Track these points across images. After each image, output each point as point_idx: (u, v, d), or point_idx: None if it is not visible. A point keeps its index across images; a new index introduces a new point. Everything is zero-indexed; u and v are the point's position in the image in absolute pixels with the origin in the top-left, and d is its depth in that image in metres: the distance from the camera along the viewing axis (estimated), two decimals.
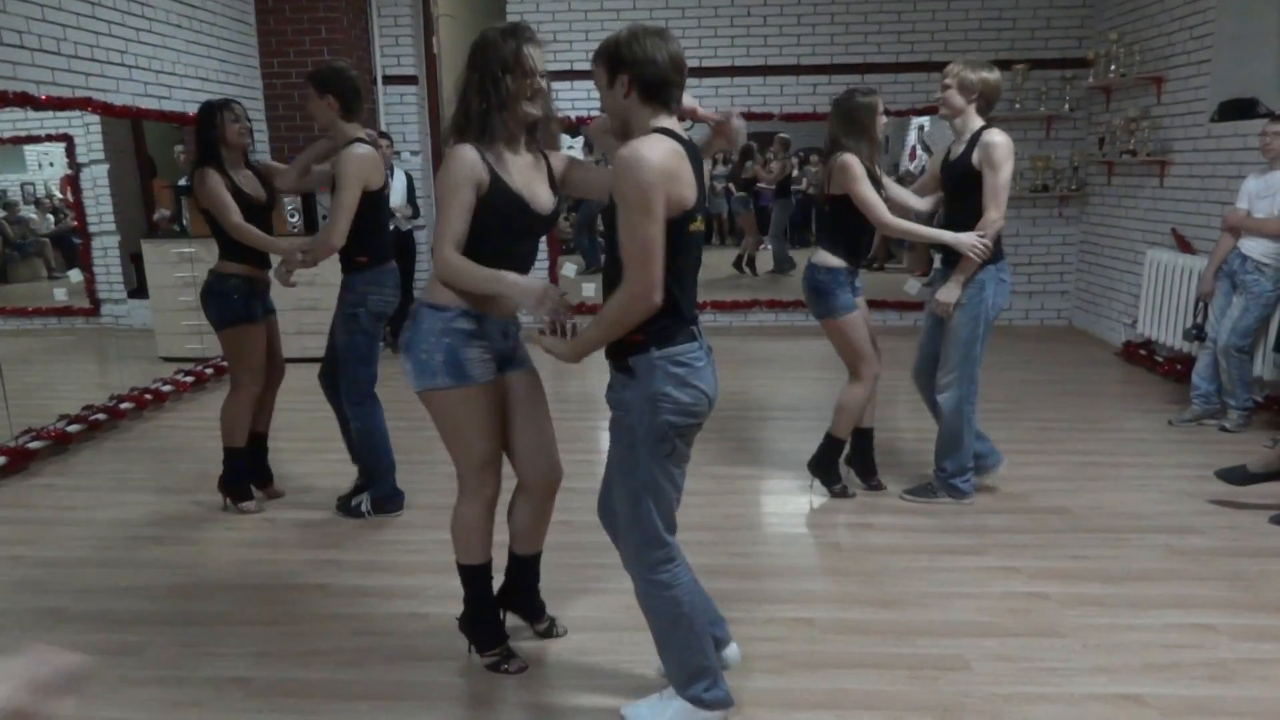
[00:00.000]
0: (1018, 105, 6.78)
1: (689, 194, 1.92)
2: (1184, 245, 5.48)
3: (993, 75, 3.34)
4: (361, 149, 3.20)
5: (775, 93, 7.03)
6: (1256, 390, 4.52)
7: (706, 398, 2.04)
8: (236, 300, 3.48)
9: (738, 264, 8.61)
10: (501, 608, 2.56)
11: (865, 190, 3.38)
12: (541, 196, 2.26)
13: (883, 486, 3.77)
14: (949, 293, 3.41)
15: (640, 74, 1.92)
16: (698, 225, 1.99)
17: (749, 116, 6.95)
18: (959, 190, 3.42)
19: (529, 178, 2.23)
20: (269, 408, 3.78)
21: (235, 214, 3.38)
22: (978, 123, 3.38)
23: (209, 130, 3.38)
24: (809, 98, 7.00)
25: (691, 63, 6.91)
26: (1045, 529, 3.34)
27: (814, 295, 3.59)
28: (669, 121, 1.97)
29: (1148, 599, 2.82)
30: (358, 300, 3.35)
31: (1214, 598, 2.82)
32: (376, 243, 3.38)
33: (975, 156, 3.31)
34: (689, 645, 2.10)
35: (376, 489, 3.54)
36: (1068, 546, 3.20)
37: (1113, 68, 6.28)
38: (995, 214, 3.29)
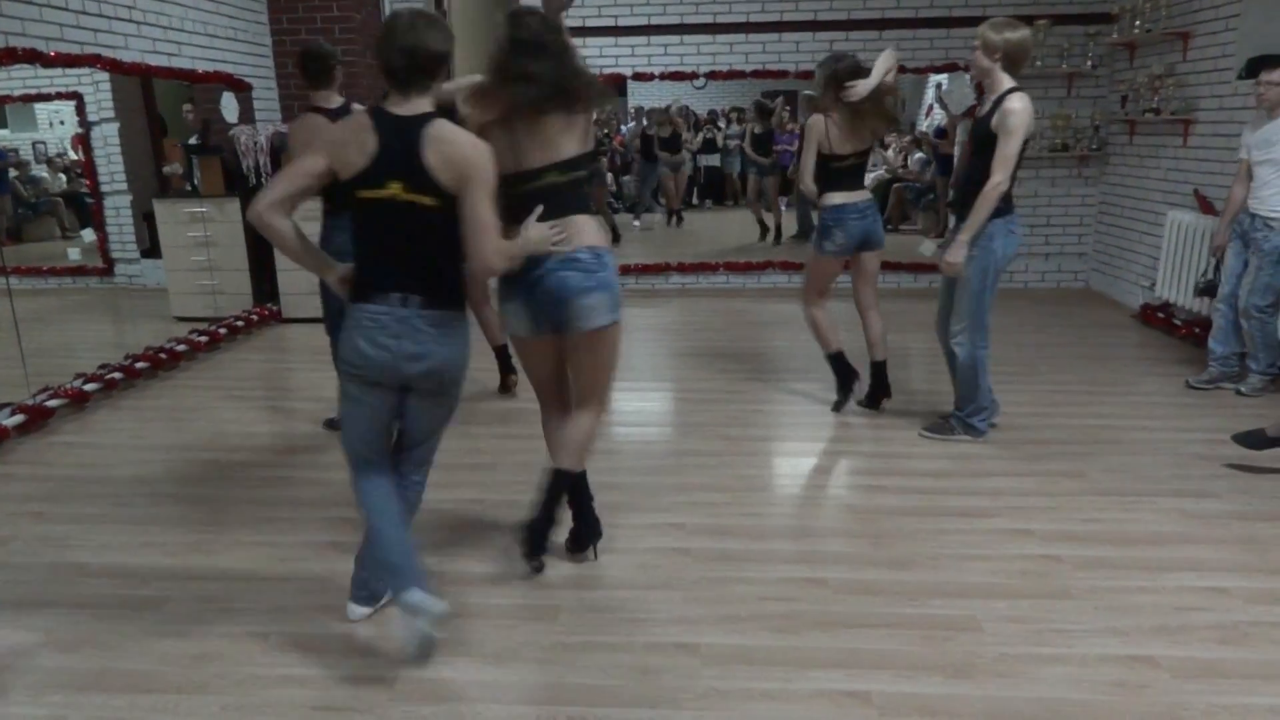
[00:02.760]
0: (1039, 62, 6.62)
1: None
2: (1206, 207, 5.39)
3: (1016, 34, 3.42)
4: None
5: (791, 49, 6.89)
6: (1278, 355, 4.45)
7: (364, 357, 2.22)
8: None
9: (763, 236, 8.37)
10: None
11: (810, 150, 3.90)
12: None
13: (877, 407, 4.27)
14: (956, 253, 3.56)
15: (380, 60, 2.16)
16: (371, 193, 2.15)
17: (765, 74, 6.89)
18: (981, 149, 3.51)
19: None
20: None
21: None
22: (1005, 84, 3.46)
23: None
24: (825, 54, 6.85)
25: (704, 19, 6.85)
26: (1059, 492, 3.34)
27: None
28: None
29: (1161, 562, 2.82)
30: None
31: (1228, 561, 2.82)
32: None
33: (994, 120, 3.43)
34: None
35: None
36: (1081, 509, 3.19)
37: (1137, 23, 6.12)
38: (999, 177, 3.43)
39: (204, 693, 2.22)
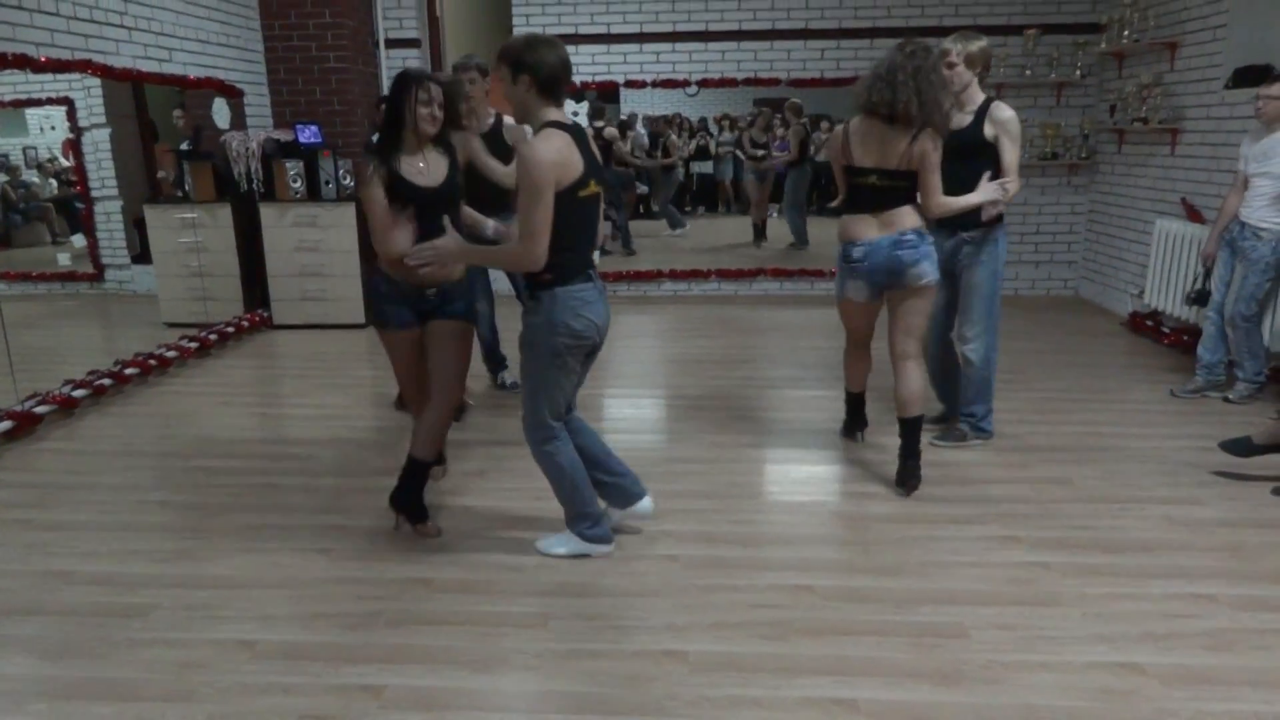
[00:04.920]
0: (1028, 72, 6.69)
1: (575, 172, 2.51)
2: (1194, 215, 5.42)
3: (985, 42, 3.60)
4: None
5: (782, 58, 6.93)
6: (1265, 363, 4.49)
7: (595, 327, 2.67)
8: (379, 301, 3.00)
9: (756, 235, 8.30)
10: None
11: None
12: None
13: None
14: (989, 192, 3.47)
15: (539, 75, 2.49)
16: (588, 191, 2.57)
17: (757, 82, 6.92)
18: (968, 158, 3.54)
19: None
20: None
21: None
22: (981, 94, 3.60)
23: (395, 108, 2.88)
24: (816, 63, 6.91)
25: (697, 27, 6.87)
26: (1047, 499, 3.35)
27: None
28: (557, 113, 2.55)
29: (1148, 569, 2.83)
30: None
31: (1215, 568, 2.83)
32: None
33: (988, 129, 3.53)
34: (572, 496, 2.84)
35: None
36: (1069, 517, 3.20)
37: (1126, 33, 6.18)
38: (1018, 184, 3.55)
39: (190, 701, 2.21)
